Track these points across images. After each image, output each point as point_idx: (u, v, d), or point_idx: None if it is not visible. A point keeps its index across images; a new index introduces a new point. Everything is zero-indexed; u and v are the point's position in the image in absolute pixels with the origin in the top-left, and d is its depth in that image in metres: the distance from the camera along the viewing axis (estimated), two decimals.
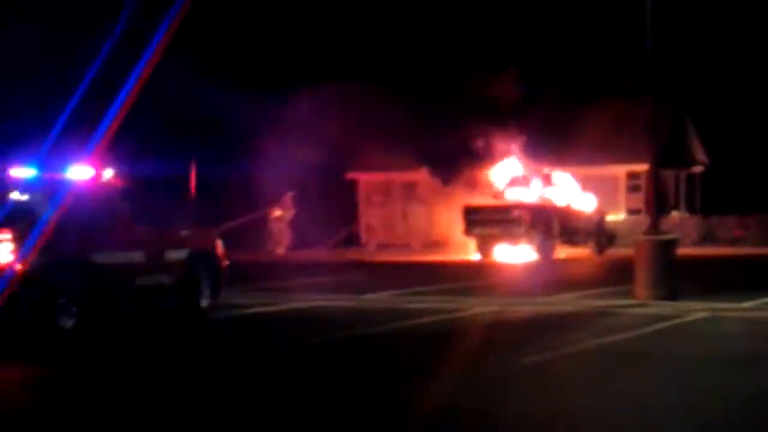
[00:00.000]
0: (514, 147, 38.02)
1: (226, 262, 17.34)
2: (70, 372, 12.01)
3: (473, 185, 37.31)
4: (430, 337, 14.17)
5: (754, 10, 50.85)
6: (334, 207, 41.30)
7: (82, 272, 14.37)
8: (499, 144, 38.09)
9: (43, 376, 11.74)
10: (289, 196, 38.86)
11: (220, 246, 17.26)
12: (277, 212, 38.59)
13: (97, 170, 15.61)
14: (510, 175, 36.61)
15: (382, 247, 40.49)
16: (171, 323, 16.03)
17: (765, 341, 13.63)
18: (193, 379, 11.41)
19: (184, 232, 16.76)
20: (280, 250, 38.04)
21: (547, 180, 36.00)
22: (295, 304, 18.59)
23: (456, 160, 38.68)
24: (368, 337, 14.53)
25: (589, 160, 42.58)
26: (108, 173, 15.78)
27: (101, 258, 14.76)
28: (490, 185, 36.76)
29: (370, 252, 38.78)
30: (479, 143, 38.39)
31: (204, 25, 31.75)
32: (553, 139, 41.98)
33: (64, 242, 14.17)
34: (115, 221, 15.36)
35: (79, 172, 15.38)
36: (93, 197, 15.30)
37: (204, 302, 16.66)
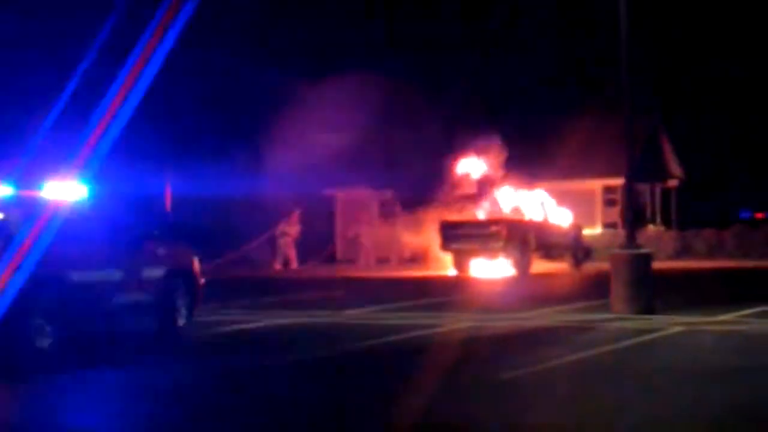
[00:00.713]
0: (490, 163, 38.08)
1: (203, 280, 17.31)
2: (43, 392, 11.95)
3: (448, 202, 37.38)
4: (407, 352, 14.17)
5: (727, 25, 51.26)
6: (315, 224, 41.33)
7: (57, 290, 14.30)
8: (474, 160, 38.14)
9: (17, 396, 11.68)
10: (296, 213, 39.07)
11: (196, 264, 17.23)
12: (284, 228, 38.79)
13: (75, 187, 15.54)
14: (485, 190, 36.67)
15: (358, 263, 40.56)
16: (147, 342, 15.96)
17: (741, 355, 13.69)
18: (162, 398, 11.37)
19: (162, 250, 16.72)
20: (292, 266, 38.28)
21: (523, 195, 36.10)
22: (275, 321, 18.56)
23: (428, 177, 38.79)
24: (346, 353, 14.52)
25: (566, 175, 42.78)
26: (85, 190, 15.72)
27: (78, 276, 14.70)
28: (464, 201, 36.82)
29: (365, 267, 38.74)
30: (453, 161, 38.46)
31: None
32: (530, 154, 42.13)
33: (40, 260, 14.09)
34: (92, 238, 15.30)
35: (56, 189, 15.32)
36: (69, 214, 15.22)
37: (181, 321, 16.62)
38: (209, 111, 42.24)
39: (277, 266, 38.53)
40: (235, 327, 17.83)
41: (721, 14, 51.38)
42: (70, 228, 14.88)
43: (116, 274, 15.49)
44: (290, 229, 39.07)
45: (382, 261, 40.42)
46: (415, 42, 41.70)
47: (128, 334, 15.95)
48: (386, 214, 42.53)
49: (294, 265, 38.88)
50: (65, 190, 15.48)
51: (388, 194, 42.59)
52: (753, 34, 51.90)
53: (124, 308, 15.63)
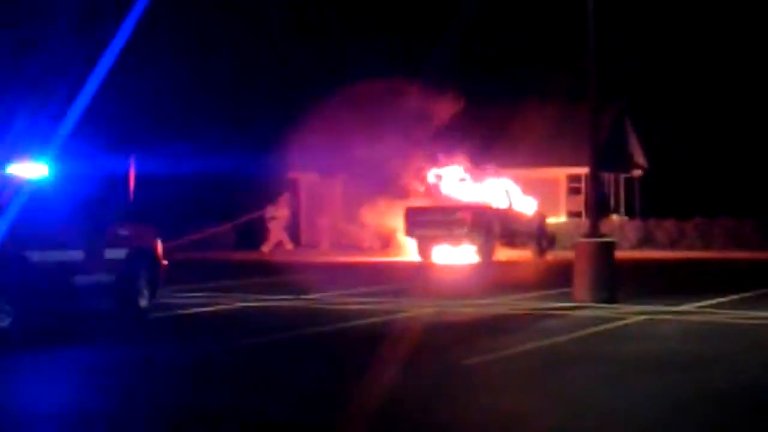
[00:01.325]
0: (454, 150, 38.10)
1: (165, 262, 17.22)
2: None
3: (412, 189, 37.38)
4: (368, 338, 14.15)
5: (692, 14, 51.46)
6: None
7: (17, 270, 14.18)
8: (438, 147, 38.14)
9: None
10: (283, 196, 38.96)
11: (159, 245, 17.13)
12: (272, 212, 38.66)
13: (35, 167, 15.43)
14: (449, 177, 36.69)
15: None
16: (108, 322, 15.87)
17: (701, 344, 13.77)
18: (119, 382, 11.30)
19: (124, 231, 16.61)
20: (286, 247, 38.19)
21: (487, 182, 36.12)
22: (237, 304, 18.50)
23: (393, 164, 38.76)
24: (306, 337, 14.49)
25: (530, 163, 42.82)
26: (46, 169, 15.61)
27: (38, 256, 14.58)
28: (429, 188, 36.84)
29: (321, 252, 38.66)
30: (417, 148, 38.45)
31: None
32: (494, 141, 42.17)
33: (0, 240, 13.97)
34: (53, 218, 15.18)
35: (16, 169, 15.20)
36: (30, 194, 15.11)
37: (143, 302, 16.53)
38: (178, 89, 42.01)
39: (265, 249, 38.38)
40: (198, 310, 17.76)
41: (687, 2, 51.60)
42: (31, 208, 14.79)
43: (77, 255, 15.38)
44: (278, 213, 38.99)
45: (347, 246, 40.32)
46: (385, 29, 41.62)
47: (89, 314, 15.86)
48: (348, 199, 42.35)
49: (288, 246, 38.80)
50: (25, 170, 15.38)
51: (347, 179, 42.38)
52: (719, 22, 52.18)
53: (85, 289, 15.53)
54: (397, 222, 35.47)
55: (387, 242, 38.03)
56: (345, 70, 41.61)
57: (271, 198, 39.42)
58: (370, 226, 39.14)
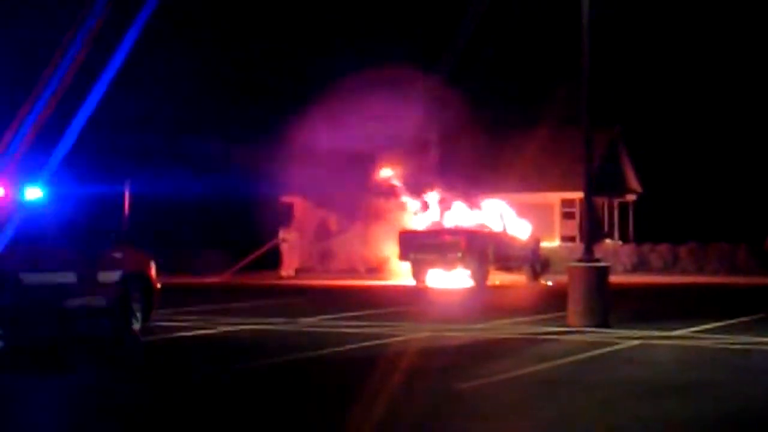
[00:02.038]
0: (449, 173, 38.16)
1: (159, 285, 17.19)
2: None
3: (404, 213, 37.42)
4: (363, 362, 14.13)
5: (686, 41, 51.66)
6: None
7: (10, 293, 14.16)
8: (433, 172, 38.20)
9: None
10: (294, 220, 38.99)
11: (153, 268, 17.11)
12: (284, 236, 38.62)
13: (30, 189, 15.43)
14: (445, 201, 36.73)
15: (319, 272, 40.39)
16: (101, 346, 15.83)
17: (695, 369, 13.75)
18: (112, 405, 11.26)
19: (118, 254, 16.59)
20: (290, 273, 38.13)
21: (481, 206, 36.15)
22: (231, 328, 18.46)
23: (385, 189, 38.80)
24: (301, 362, 14.45)
25: (524, 187, 42.91)
26: (41, 192, 15.60)
27: (31, 279, 14.56)
28: (422, 212, 36.87)
29: (315, 275, 38.52)
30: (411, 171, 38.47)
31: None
32: (489, 166, 42.24)
33: None
34: (47, 241, 15.17)
35: (11, 191, 15.20)
36: (25, 217, 15.10)
37: (136, 325, 16.50)
38: (172, 113, 42.05)
39: (284, 273, 38.37)
40: (191, 333, 17.71)
41: (681, 30, 51.81)
42: (25, 230, 14.77)
43: (71, 277, 15.36)
44: (288, 236, 38.98)
45: (340, 270, 40.22)
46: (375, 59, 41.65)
47: (82, 336, 15.83)
48: (340, 223, 42.22)
49: (291, 272, 38.64)
50: (20, 193, 15.37)
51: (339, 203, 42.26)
52: (711, 48, 52.37)
53: (78, 312, 15.50)
54: (389, 246, 35.48)
55: (377, 266, 38.00)
56: (330, 96, 41.56)
57: (268, 221, 39.40)
58: (361, 249, 39.10)
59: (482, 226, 35.14)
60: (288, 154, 38.50)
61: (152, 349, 15.97)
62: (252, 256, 39.32)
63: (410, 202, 37.98)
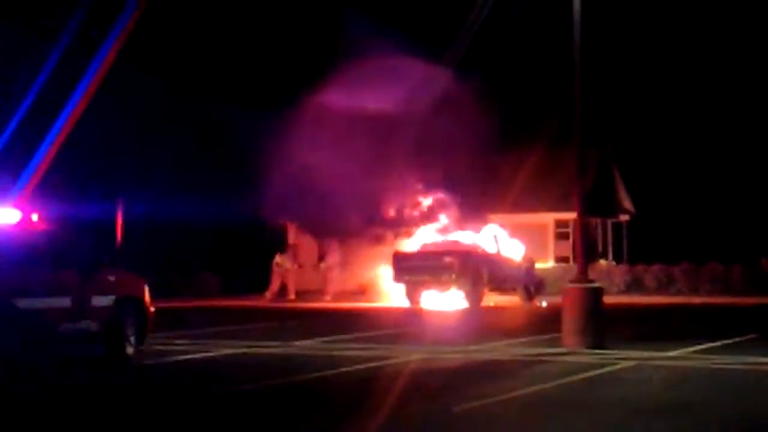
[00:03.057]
0: (444, 194, 38.19)
1: (153, 309, 17.15)
2: None
3: (399, 234, 37.41)
4: (358, 384, 14.09)
5: (677, 60, 51.81)
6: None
7: (4, 317, 14.11)
8: (429, 192, 38.23)
9: None
10: (292, 245, 38.90)
11: (147, 292, 17.07)
12: (278, 260, 38.50)
13: (22, 213, 15.41)
14: (439, 222, 36.74)
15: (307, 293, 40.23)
16: (95, 370, 15.78)
17: (689, 390, 13.74)
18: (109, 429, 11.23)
19: (111, 277, 16.55)
20: (289, 296, 38.01)
21: (475, 227, 36.16)
22: (225, 351, 18.41)
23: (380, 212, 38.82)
24: (295, 385, 14.41)
25: (518, 208, 42.89)
26: (33, 216, 15.58)
27: (25, 303, 14.51)
28: (416, 233, 36.87)
29: (328, 300, 38.10)
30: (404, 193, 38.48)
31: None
32: (482, 187, 42.25)
33: None
34: (40, 265, 15.13)
35: (3, 215, 15.17)
36: (17, 241, 15.07)
37: (130, 349, 16.44)
38: (164, 136, 42.06)
39: (291, 296, 38.24)
40: (184, 357, 17.66)
41: (673, 49, 51.95)
42: (18, 254, 14.75)
43: (64, 302, 15.32)
44: (282, 260, 38.85)
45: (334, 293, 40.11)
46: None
47: (76, 361, 15.78)
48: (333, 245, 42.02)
49: (290, 295, 38.50)
50: (12, 216, 15.35)
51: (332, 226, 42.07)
52: (701, 67, 52.49)
53: (72, 336, 15.45)
54: (383, 268, 35.46)
55: (371, 288, 37.93)
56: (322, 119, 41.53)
57: (262, 245, 39.36)
58: (355, 271, 39.01)
59: (476, 247, 35.13)
60: (282, 177, 38.49)
61: (145, 373, 15.92)
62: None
63: (408, 223, 37.94)
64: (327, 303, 35.86)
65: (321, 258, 39.99)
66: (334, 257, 38.76)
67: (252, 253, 40.71)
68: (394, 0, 43.88)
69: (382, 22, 39.63)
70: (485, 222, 36.62)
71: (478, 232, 36.07)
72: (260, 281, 39.44)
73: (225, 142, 41.78)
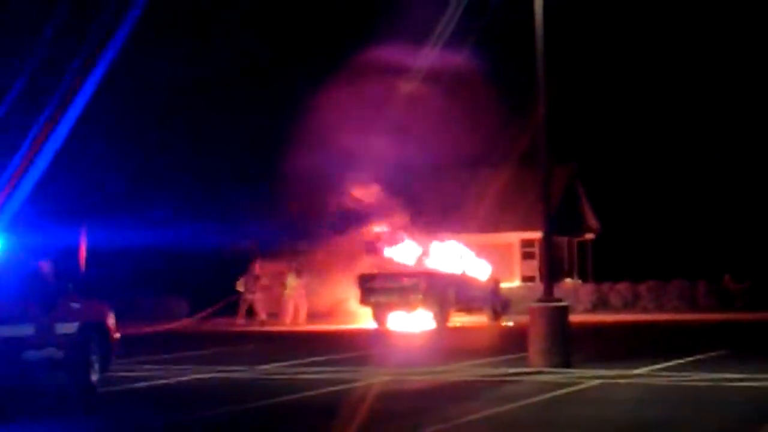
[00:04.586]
0: (405, 215, 38.21)
1: (118, 335, 17.01)
2: None
3: (361, 254, 37.35)
4: (325, 408, 14.02)
5: (642, 80, 52.15)
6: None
7: None
8: (391, 213, 38.23)
9: None
10: (255, 265, 38.48)
11: (112, 318, 16.93)
12: (242, 286, 38.11)
13: None
14: (403, 244, 36.71)
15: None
16: (59, 398, 15.63)
17: (655, 408, 13.76)
18: None
19: (76, 304, 16.40)
20: (262, 318, 37.66)
21: (440, 248, 36.15)
22: (189, 376, 18.29)
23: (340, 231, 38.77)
24: (260, 410, 14.32)
25: (484, 228, 42.97)
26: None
27: None
28: (380, 255, 36.80)
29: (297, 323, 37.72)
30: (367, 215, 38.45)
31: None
32: (448, 207, 42.31)
33: None
34: (4, 292, 14.98)
35: None
36: None
37: (94, 376, 16.29)
38: (127, 161, 41.89)
39: (262, 317, 37.88)
40: (149, 383, 17.52)
41: (636, 67, 52.26)
42: None
43: (28, 329, 15.16)
44: (242, 286, 38.47)
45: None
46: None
47: (40, 389, 15.62)
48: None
49: (260, 317, 38.14)
50: None
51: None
52: (665, 85, 52.84)
53: (36, 363, 15.29)
54: (349, 289, 35.41)
55: (338, 310, 37.80)
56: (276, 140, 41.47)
57: (227, 270, 39.07)
58: (321, 294, 38.82)
59: (442, 267, 35.14)
60: (247, 203, 38.40)
61: (109, 399, 15.78)
62: (213, 308, 38.87)
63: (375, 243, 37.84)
64: (294, 327, 35.67)
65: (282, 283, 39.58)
66: (293, 281, 38.35)
67: (220, 276, 40.45)
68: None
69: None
70: (450, 242, 36.55)
71: (443, 252, 36.05)
72: (229, 305, 39.19)
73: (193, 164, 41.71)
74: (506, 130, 40.30)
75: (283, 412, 14.15)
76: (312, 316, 38.45)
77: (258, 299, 38.35)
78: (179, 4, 41.21)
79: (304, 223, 39.79)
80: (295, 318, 37.38)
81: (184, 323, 37.16)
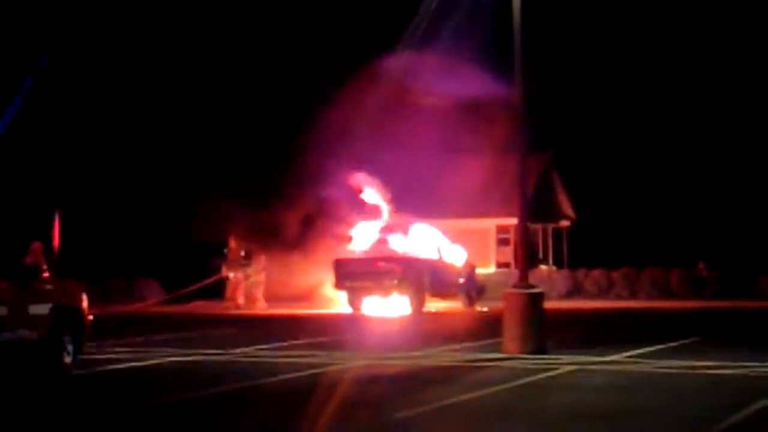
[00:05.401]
0: (382, 200, 38.19)
1: (91, 317, 16.93)
2: None
3: (337, 239, 37.28)
4: (299, 391, 14.00)
5: (619, 65, 52.21)
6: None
7: None
8: (368, 197, 38.20)
9: None
10: (230, 241, 38.24)
11: (85, 300, 16.84)
12: (227, 272, 37.79)
13: None
14: (378, 228, 36.63)
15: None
16: (31, 380, 15.55)
17: (629, 394, 13.81)
18: None
19: (48, 285, 16.31)
20: (241, 303, 37.40)
21: (416, 233, 36.10)
22: (163, 359, 18.23)
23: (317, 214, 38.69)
24: (234, 393, 14.28)
25: (460, 214, 43.01)
26: None
27: None
28: (353, 238, 36.74)
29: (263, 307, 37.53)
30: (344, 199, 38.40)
31: None
32: (424, 192, 42.31)
33: None
34: None
35: None
36: None
37: (67, 358, 16.21)
38: (105, 139, 41.64)
39: (240, 302, 37.57)
40: (123, 365, 17.46)
41: (612, 54, 52.28)
42: None
43: (1, 311, 15.08)
44: (228, 271, 38.12)
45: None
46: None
47: (9, 370, 15.54)
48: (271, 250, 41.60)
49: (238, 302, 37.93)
50: None
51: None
52: (642, 73, 52.92)
53: (7, 345, 15.21)
54: (324, 273, 35.35)
55: (313, 294, 37.69)
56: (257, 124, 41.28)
57: (203, 254, 38.89)
58: (295, 277, 38.68)
59: (417, 252, 35.08)
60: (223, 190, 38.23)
61: (81, 382, 15.70)
62: (188, 289, 38.69)
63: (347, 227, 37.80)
64: (267, 311, 35.52)
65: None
66: (257, 266, 38.02)
67: (195, 259, 40.25)
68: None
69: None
70: (426, 227, 36.48)
71: (418, 237, 35.96)
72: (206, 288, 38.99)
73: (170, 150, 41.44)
74: (483, 117, 40.30)
75: (254, 396, 14.11)
76: (287, 300, 38.30)
77: (239, 280, 38.03)
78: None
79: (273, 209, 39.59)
80: (251, 302, 37.22)
81: (156, 304, 37.05)
